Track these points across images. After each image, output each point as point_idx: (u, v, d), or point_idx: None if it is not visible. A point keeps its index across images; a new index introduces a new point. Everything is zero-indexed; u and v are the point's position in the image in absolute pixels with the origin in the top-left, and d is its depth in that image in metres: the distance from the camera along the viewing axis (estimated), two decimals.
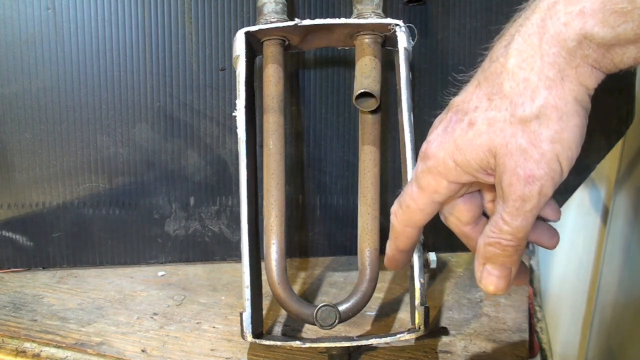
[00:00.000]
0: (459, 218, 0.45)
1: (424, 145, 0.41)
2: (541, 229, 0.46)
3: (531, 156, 0.37)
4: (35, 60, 0.68)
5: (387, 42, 0.60)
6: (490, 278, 0.42)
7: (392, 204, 0.77)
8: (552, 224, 0.48)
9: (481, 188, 0.44)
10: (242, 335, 0.54)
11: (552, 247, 0.47)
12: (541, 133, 0.36)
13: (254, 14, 0.69)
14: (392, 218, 0.45)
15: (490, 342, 0.60)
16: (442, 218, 0.46)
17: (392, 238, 0.46)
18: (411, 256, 0.49)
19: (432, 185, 0.41)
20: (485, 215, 0.46)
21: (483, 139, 0.38)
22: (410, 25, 0.60)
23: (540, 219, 0.46)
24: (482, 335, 0.61)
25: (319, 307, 0.55)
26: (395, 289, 0.70)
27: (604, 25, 0.34)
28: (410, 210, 0.43)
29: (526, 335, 0.61)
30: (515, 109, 0.37)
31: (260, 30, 0.58)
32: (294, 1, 0.69)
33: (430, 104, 0.73)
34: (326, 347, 0.54)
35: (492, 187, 0.42)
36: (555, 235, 0.47)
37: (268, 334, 0.61)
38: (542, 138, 0.36)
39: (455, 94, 0.41)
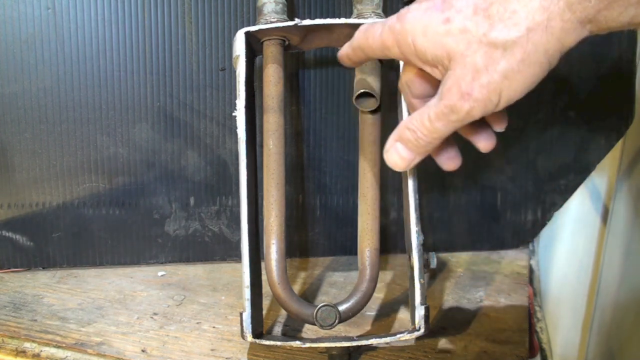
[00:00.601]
0: (410, 88, 0.48)
1: (405, 10, 0.43)
2: (480, 131, 0.48)
3: (479, 78, 0.39)
4: (35, 60, 0.68)
5: None
6: (395, 155, 0.46)
7: (392, 204, 0.77)
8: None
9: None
10: (242, 335, 0.54)
11: (485, 150, 0.49)
12: (499, 63, 0.38)
13: (254, 14, 0.69)
14: (356, 34, 0.47)
15: (490, 342, 0.60)
16: (399, 84, 0.49)
17: (349, 45, 0.49)
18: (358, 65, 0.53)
19: (387, 43, 0.44)
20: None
21: (449, 40, 0.39)
22: None
23: (484, 123, 0.48)
24: (482, 335, 0.61)
25: (319, 307, 0.55)
26: (395, 289, 0.70)
27: None
28: (366, 42, 0.46)
29: (526, 335, 0.61)
30: (490, 31, 0.38)
31: (260, 30, 0.58)
32: (294, 1, 0.69)
33: None
34: (326, 347, 0.54)
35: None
36: (491, 140, 0.49)
37: (268, 334, 0.61)
38: (498, 68, 0.38)
39: None
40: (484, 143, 0.49)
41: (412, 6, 0.42)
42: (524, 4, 0.37)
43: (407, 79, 0.47)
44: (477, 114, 0.40)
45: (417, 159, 0.46)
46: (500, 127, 0.48)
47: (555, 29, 0.37)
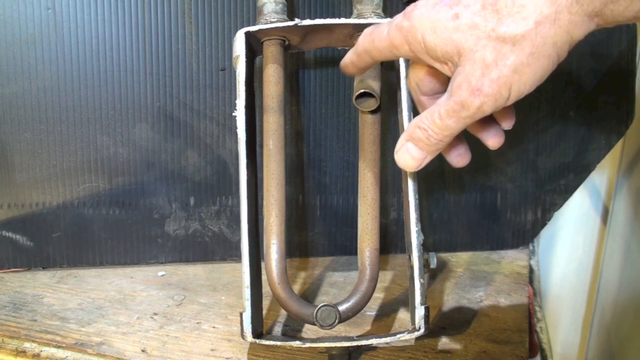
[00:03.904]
0: (419, 86, 0.47)
1: (412, 7, 0.42)
2: (489, 128, 0.48)
3: (489, 73, 0.39)
4: (35, 60, 0.68)
5: None
6: (406, 155, 0.46)
7: (392, 204, 0.77)
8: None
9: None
10: (242, 335, 0.54)
11: (493, 147, 0.49)
12: (508, 58, 0.38)
13: (254, 14, 0.69)
14: (360, 37, 0.47)
15: (490, 342, 0.60)
16: (407, 82, 0.49)
17: (353, 51, 0.48)
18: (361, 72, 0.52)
19: (396, 42, 0.43)
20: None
21: (458, 35, 0.39)
22: None
23: (493, 120, 0.48)
24: (482, 335, 0.61)
25: (319, 307, 0.55)
26: (395, 289, 0.70)
27: None
28: (373, 44, 0.45)
29: (526, 335, 0.61)
30: (498, 26, 0.38)
31: (260, 30, 0.58)
32: (293, 1, 0.69)
33: None
34: (326, 347, 0.54)
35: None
36: (499, 136, 0.49)
37: (268, 334, 0.61)
38: (507, 63, 0.38)
39: None
40: (492, 140, 0.49)
41: (420, 3, 0.42)
42: None
43: (416, 77, 0.47)
44: (488, 109, 0.40)
45: (429, 158, 0.46)
46: (508, 125, 0.48)
47: (563, 22, 0.37)
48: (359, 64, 0.49)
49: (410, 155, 0.45)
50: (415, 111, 0.56)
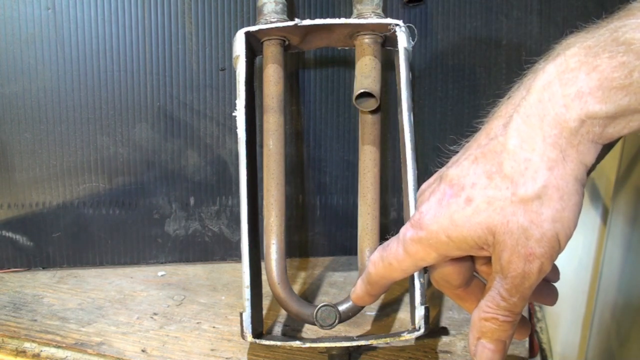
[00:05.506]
0: (449, 282, 0.45)
1: (417, 215, 0.41)
2: (541, 288, 0.46)
3: (532, 235, 0.37)
4: (35, 60, 0.68)
5: (387, 42, 0.60)
6: (485, 352, 0.42)
7: (392, 204, 0.77)
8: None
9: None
10: (242, 335, 0.54)
11: (552, 304, 0.48)
12: (542, 212, 0.36)
13: (254, 14, 0.69)
14: (371, 267, 0.45)
15: None
16: (432, 281, 0.46)
17: (366, 282, 0.46)
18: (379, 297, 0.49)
19: (420, 254, 0.41)
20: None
21: (482, 216, 0.38)
22: (410, 25, 0.60)
23: (543, 280, 0.45)
24: None
25: (319, 307, 0.55)
26: (395, 289, 0.70)
27: (606, 101, 0.34)
28: (391, 268, 0.43)
29: None
30: (516, 189, 0.37)
31: (260, 30, 0.58)
32: (294, 1, 0.69)
33: (430, 104, 0.73)
34: (326, 347, 0.54)
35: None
36: (554, 293, 0.48)
37: (268, 334, 0.61)
38: (544, 217, 0.36)
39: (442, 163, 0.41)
40: (548, 299, 0.48)
41: (422, 208, 0.41)
42: (531, 149, 0.36)
43: (442, 275, 0.44)
44: (547, 268, 0.38)
45: (508, 343, 0.42)
46: (555, 278, 0.47)
47: (572, 157, 0.36)
48: (377, 291, 0.47)
49: (490, 351, 0.41)
50: (415, 112, 0.56)
